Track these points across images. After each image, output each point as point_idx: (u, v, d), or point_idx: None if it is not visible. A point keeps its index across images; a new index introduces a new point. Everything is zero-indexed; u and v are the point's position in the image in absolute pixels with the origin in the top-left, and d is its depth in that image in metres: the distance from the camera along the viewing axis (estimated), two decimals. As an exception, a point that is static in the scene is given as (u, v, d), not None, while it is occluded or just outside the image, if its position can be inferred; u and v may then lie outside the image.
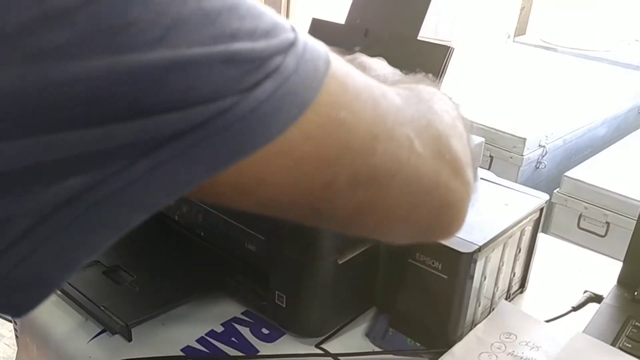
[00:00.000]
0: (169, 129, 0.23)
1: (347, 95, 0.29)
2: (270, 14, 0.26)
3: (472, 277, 0.58)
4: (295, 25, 0.28)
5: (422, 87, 0.39)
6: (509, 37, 2.66)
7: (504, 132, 1.67)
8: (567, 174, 1.64)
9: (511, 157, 1.67)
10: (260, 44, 0.25)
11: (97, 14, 0.21)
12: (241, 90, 0.24)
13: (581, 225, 1.63)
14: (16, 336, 0.82)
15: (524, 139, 1.65)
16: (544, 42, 2.58)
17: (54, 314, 0.65)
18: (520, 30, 2.70)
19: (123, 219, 0.24)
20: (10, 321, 1.09)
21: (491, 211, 0.65)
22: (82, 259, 0.24)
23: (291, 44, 0.26)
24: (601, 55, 2.44)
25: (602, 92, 2.07)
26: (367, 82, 0.31)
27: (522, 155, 1.66)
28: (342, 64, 0.30)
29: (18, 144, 0.20)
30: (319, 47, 0.28)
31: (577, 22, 2.65)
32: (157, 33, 0.22)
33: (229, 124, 0.24)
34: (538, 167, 1.73)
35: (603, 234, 1.59)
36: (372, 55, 0.55)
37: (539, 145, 1.71)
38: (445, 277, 0.58)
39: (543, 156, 1.72)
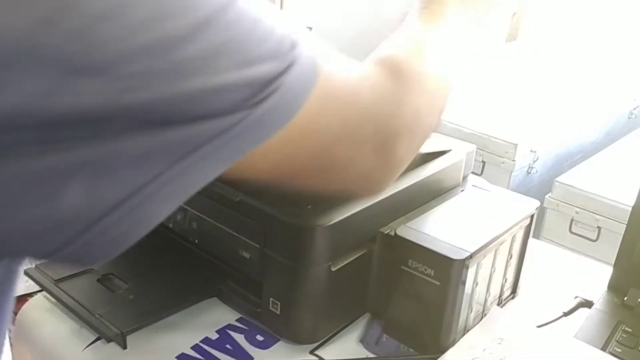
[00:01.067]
0: (205, 135, 0.30)
1: (326, 103, 0.36)
2: (278, 28, 0.32)
3: (464, 284, 0.59)
4: (296, 30, 0.33)
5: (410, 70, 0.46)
6: (500, 42, 2.68)
7: (496, 138, 1.68)
8: (559, 179, 1.65)
9: (503, 163, 1.68)
10: (269, 67, 0.31)
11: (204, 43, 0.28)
12: (250, 105, 0.30)
13: (573, 230, 1.64)
14: (10, 344, 0.82)
15: (516, 145, 1.65)
16: (536, 47, 2.59)
17: (48, 321, 0.65)
18: (512, 35, 2.72)
19: (183, 191, 0.31)
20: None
21: (482, 218, 0.65)
22: (161, 217, 0.31)
23: (290, 64, 0.32)
24: (592, 61, 2.45)
25: (593, 98, 2.08)
26: (345, 83, 0.39)
27: (513, 161, 1.67)
28: (328, 71, 0.36)
29: (138, 137, 0.27)
30: (312, 61, 0.34)
31: (568, 28, 2.67)
32: (209, 62, 0.28)
33: (240, 130, 0.30)
34: (530, 173, 1.74)
35: (594, 238, 1.60)
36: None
37: (531, 151, 1.71)
38: (438, 283, 0.58)
39: (534, 161, 1.73)
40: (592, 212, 1.59)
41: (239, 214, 0.61)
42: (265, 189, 0.62)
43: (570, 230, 1.64)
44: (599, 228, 1.59)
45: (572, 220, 1.63)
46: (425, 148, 0.72)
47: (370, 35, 0.80)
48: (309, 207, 0.58)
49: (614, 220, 1.54)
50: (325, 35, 0.83)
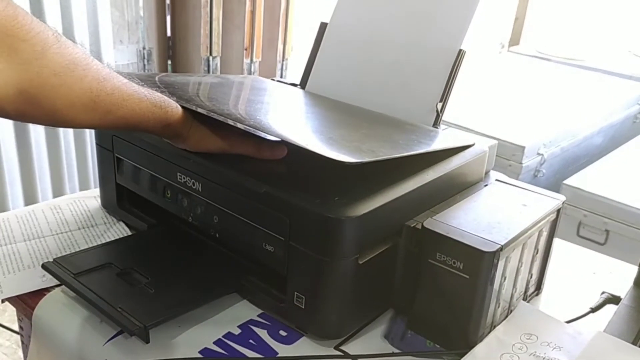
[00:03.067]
0: None
1: None
2: None
3: (494, 277, 0.58)
4: None
5: None
6: (503, 47, 2.69)
7: (503, 141, 1.68)
8: (566, 182, 1.65)
9: (510, 165, 1.68)
10: None
11: None
12: None
13: (581, 233, 1.63)
14: (22, 342, 0.80)
15: (523, 147, 1.65)
16: (538, 52, 2.60)
17: (66, 316, 0.64)
18: (514, 40, 2.73)
19: None
20: (10, 330, 1.07)
21: (510, 212, 0.64)
22: None
23: None
24: (595, 66, 2.46)
25: (597, 102, 2.08)
26: None
27: (521, 163, 1.66)
28: None
29: None
30: None
31: (570, 32, 2.67)
32: None
33: None
34: (537, 175, 1.74)
35: (602, 241, 1.59)
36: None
37: (537, 154, 1.71)
38: (467, 277, 0.57)
39: (541, 164, 1.73)
40: (601, 216, 1.58)
41: (264, 206, 0.60)
42: (291, 180, 0.62)
43: (578, 234, 1.63)
44: (607, 231, 1.58)
45: (580, 223, 1.62)
46: (450, 142, 0.71)
47: (389, 29, 0.79)
48: (336, 199, 0.57)
49: (622, 223, 1.53)
50: (341, 31, 0.82)
